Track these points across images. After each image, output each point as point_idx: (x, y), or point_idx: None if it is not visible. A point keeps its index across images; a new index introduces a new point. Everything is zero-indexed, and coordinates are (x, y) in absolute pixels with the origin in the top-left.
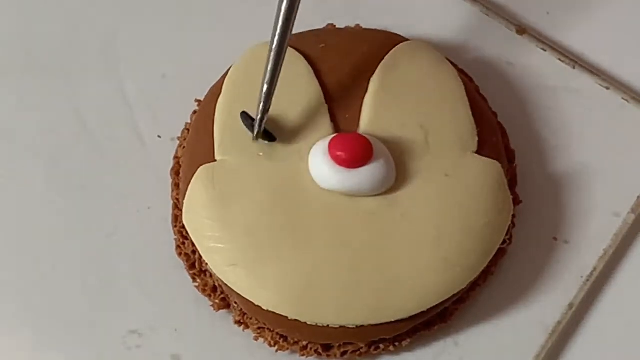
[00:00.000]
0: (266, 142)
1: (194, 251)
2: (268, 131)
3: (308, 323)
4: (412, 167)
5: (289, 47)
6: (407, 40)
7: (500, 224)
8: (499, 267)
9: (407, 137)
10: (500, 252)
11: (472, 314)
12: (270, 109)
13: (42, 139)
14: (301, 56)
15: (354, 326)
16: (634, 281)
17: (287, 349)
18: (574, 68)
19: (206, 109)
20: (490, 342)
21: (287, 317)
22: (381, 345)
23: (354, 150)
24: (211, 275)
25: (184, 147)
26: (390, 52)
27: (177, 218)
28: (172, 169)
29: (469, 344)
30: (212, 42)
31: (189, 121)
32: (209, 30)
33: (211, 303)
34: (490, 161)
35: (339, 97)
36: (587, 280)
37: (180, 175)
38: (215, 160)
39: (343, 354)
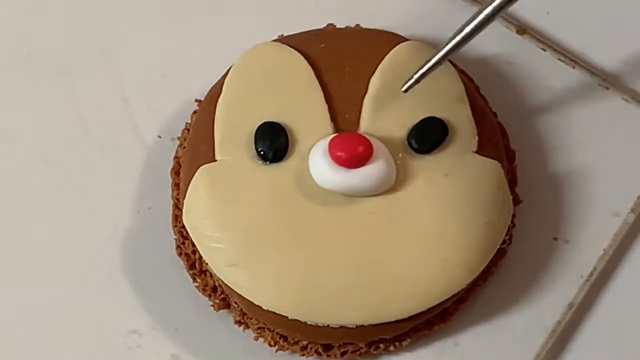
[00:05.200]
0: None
1: (194, 251)
2: (276, 152)
3: (308, 323)
4: (412, 167)
5: (289, 47)
6: (407, 40)
7: (500, 224)
8: (499, 267)
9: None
10: (500, 252)
11: (472, 314)
12: (270, 109)
13: (42, 139)
14: (301, 56)
15: (354, 326)
16: (634, 281)
17: (287, 349)
18: (574, 68)
19: (206, 109)
20: (490, 342)
21: (287, 317)
22: (381, 345)
23: (354, 150)
24: (211, 275)
25: (184, 147)
26: (390, 52)
27: (177, 218)
28: (172, 169)
29: (469, 344)
30: (212, 42)
31: (189, 121)
32: (209, 30)
33: (211, 303)
34: (490, 161)
35: (339, 97)
36: (587, 280)
37: (180, 175)
38: (216, 160)
39: (343, 354)
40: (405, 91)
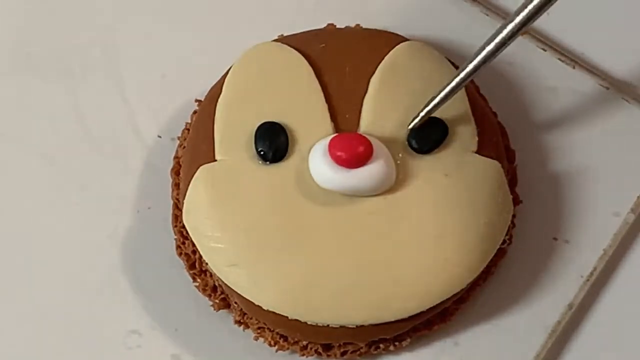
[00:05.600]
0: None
1: (194, 251)
2: (276, 152)
3: (308, 323)
4: (412, 167)
5: (289, 47)
6: (407, 40)
7: (500, 224)
8: (499, 267)
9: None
10: (500, 252)
11: (472, 314)
12: (270, 110)
13: (42, 139)
14: (301, 56)
15: (354, 326)
16: (634, 281)
17: (287, 349)
18: (574, 68)
19: (206, 109)
20: (490, 342)
21: (287, 317)
22: (381, 345)
23: (354, 150)
24: (211, 275)
25: (184, 147)
26: (390, 52)
27: (177, 218)
28: (172, 169)
29: (469, 344)
30: (212, 42)
31: (189, 121)
32: (209, 30)
33: (211, 303)
34: (490, 161)
35: (339, 97)
36: (587, 280)
37: (180, 175)
38: (215, 160)
39: (343, 353)
40: (412, 128)
